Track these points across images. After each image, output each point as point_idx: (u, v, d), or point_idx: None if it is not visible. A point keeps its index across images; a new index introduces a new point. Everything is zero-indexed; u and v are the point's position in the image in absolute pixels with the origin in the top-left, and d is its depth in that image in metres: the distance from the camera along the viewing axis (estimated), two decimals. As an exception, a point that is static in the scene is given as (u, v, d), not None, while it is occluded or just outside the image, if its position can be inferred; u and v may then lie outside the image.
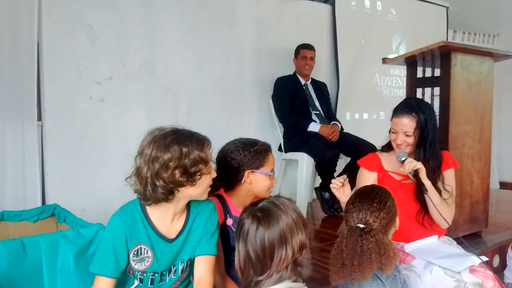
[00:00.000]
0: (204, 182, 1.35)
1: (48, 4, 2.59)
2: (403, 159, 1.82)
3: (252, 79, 3.55)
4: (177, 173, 1.27)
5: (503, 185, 5.13)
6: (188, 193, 1.34)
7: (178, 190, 1.31)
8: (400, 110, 1.87)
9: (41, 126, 2.61)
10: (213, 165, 1.38)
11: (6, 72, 2.45)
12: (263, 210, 1.25)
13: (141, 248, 1.35)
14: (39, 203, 2.51)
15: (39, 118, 2.61)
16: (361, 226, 1.37)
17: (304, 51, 3.44)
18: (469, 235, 2.51)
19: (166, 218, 1.38)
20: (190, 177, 1.29)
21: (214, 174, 1.39)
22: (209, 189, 1.41)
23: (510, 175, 5.24)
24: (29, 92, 2.51)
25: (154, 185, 1.27)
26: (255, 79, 3.57)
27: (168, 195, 1.30)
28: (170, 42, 3.10)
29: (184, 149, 1.27)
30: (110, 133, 2.82)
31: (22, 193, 2.49)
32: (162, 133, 1.31)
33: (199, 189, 1.35)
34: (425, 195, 1.79)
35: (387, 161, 1.96)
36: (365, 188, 1.52)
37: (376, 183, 1.88)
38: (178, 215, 1.40)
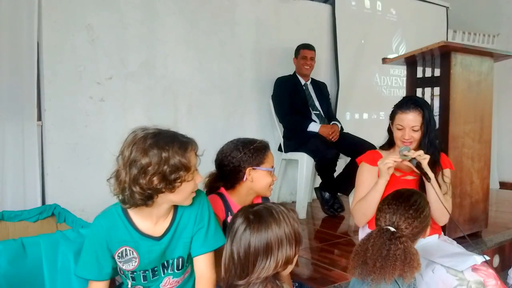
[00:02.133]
0: (186, 189, 1.28)
1: (48, 4, 2.59)
2: (405, 152, 1.83)
3: (252, 79, 3.55)
4: (155, 179, 1.20)
5: (503, 185, 5.13)
6: (168, 199, 1.28)
7: (157, 196, 1.25)
8: (406, 105, 1.88)
9: (41, 126, 2.61)
10: (197, 170, 1.31)
11: (6, 72, 2.45)
12: (256, 214, 1.21)
13: (125, 249, 1.31)
14: (39, 203, 2.51)
15: (39, 118, 2.61)
16: (392, 229, 1.34)
17: (304, 51, 3.44)
18: (469, 235, 2.50)
19: (148, 221, 1.33)
20: (169, 184, 1.22)
21: (199, 180, 1.32)
22: (193, 194, 1.34)
23: (510, 175, 5.24)
24: (29, 92, 2.51)
25: (131, 190, 1.21)
26: (255, 79, 3.57)
27: (146, 200, 1.23)
28: (170, 42, 3.10)
29: (164, 154, 1.20)
30: (110, 133, 2.81)
31: (22, 193, 2.49)
32: (143, 134, 1.24)
33: (180, 196, 1.28)
34: (428, 186, 1.80)
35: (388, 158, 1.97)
36: (404, 191, 1.49)
37: (377, 178, 1.90)
38: (163, 218, 1.35)
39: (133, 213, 1.32)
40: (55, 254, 1.63)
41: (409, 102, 1.89)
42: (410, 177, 1.93)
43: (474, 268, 1.59)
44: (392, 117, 1.93)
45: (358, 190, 1.95)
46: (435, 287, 1.61)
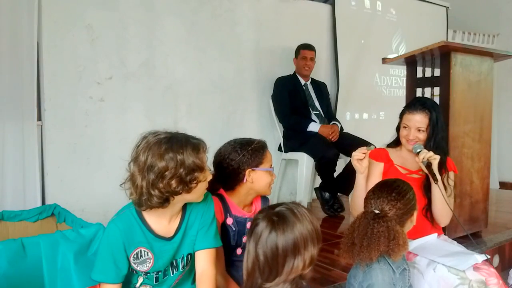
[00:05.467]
0: (201, 188, 1.34)
1: (48, 4, 2.59)
2: (418, 150, 1.87)
3: (252, 79, 3.55)
4: (173, 183, 1.25)
5: (503, 185, 5.13)
6: (183, 198, 1.33)
7: (174, 198, 1.29)
8: (413, 106, 1.93)
9: (41, 126, 2.61)
10: (208, 169, 1.36)
11: (6, 72, 2.45)
12: (279, 215, 1.21)
13: (140, 250, 1.34)
14: (39, 203, 2.51)
15: (39, 118, 2.61)
16: (376, 211, 1.41)
17: (304, 51, 3.43)
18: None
19: (163, 220, 1.38)
20: (186, 185, 1.27)
21: (209, 177, 1.37)
22: (205, 191, 1.40)
23: (510, 175, 5.24)
24: (29, 92, 2.50)
25: (150, 194, 1.25)
26: (255, 79, 3.57)
27: (163, 203, 1.28)
28: (170, 42, 3.10)
29: (179, 157, 1.25)
30: (110, 133, 2.82)
31: (22, 193, 2.49)
32: (156, 139, 1.27)
33: (195, 194, 1.34)
34: (434, 187, 1.84)
35: (394, 155, 2.01)
36: (388, 179, 1.57)
37: (382, 173, 1.93)
38: (175, 216, 1.40)
39: (147, 215, 1.36)
40: (55, 254, 1.63)
41: (418, 103, 1.94)
42: (415, 175, 1.96)
43: (476, 267, 1.60)
44: (401, 116, 1.98)
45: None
46: (437, 286, 1.61)
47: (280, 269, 1.17)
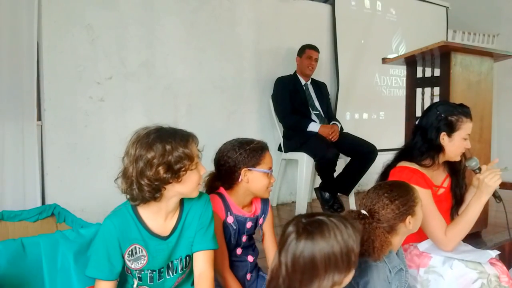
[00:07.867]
0: (191, 179, 1.32)
1: (48, 4, 2.59)
2: (477, 167, 1.77)
3: (252, 79, 3.55)
4: (161, 170, 1.26)
5: (503, 185, 5.10)
6: (176, 190, 1.32)
7: (165, 188, 1.29)
8: (470, 113, 1.81)
9: (41, 126, 2.61)
10: (200, 161, 1.36)
11: (6, 72, 2.45)
12: (311, 225, 1.07)
13: (135, 247, 1.34)
14: (38, 203, 2.51)
15: (39, 118, 2.61)
16: (363, 212, 1.42)
17: (310, 51, 3.43)
18: (469, 235, 2.49)
19: (158, 217, 1.37)
20: (174, 173, 1.28)
21: (202, 170, 1.36)
22: (200, 186, 1.39)
23: (510, 175, 5.22)
24: (29, 92, 2.51)
25: (140, 184, 1.26)
26: (255, 79, 3.57)
27: (154, 193, 1.28)
28: (170, 42, 3.10)
29: (168, 146, 1.26)
30: (109, 133, 2.82)
31: (22, 193, 2.49)
32: (145, 132, 1.30)
33: (187, 186, 1.32)
34: (477, 202, 1.78)
35: (430, 176, 1.79)
36: (387, 182, 1.54)
37: (432, 199, 1.74)
38: (171, 214, 1.40)
39: (142, 211, 1.36)
40: (55, 254, 1.64)
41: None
42: (442, 190, 1.86)
43: (492, 263, 1.60)
44: (458, 126, 1.78)
45: (435, 218, 1.71)
46: (455, 283, 1.59)
47: (297, 284, 1.05)
